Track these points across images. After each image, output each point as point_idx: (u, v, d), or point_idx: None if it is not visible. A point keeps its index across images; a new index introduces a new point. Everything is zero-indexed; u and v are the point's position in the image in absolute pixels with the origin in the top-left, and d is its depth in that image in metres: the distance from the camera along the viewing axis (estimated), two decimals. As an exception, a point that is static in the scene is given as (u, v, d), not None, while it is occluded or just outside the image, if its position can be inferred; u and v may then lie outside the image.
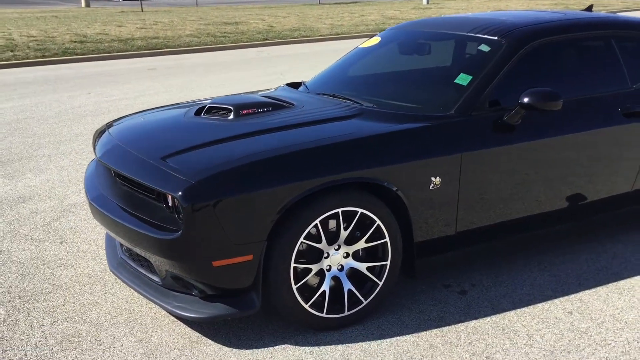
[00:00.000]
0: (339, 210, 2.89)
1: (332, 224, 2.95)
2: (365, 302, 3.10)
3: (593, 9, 4.78)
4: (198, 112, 3.48)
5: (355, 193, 2.94)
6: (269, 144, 2.95)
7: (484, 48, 3.61)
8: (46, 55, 14.43)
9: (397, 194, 3.02)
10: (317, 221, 2.85)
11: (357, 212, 2.94)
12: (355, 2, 42.04)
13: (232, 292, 2.86)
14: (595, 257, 3.87)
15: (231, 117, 3.35)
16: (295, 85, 4.16)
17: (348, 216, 2.95)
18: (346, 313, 3.06)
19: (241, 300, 2.85)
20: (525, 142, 3.35)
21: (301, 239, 2.83)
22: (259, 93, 4.02)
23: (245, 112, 3.38)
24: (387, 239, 3.06)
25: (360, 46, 4.33)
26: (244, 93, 4.09)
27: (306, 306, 2.94)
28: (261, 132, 3.12)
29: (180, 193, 2.63)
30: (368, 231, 3.02)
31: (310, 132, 3.10)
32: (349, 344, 2.96)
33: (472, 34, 3.73)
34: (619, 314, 3.21)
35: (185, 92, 10.00)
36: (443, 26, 3.97)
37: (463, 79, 3.44)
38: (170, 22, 24.05)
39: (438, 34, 3.96)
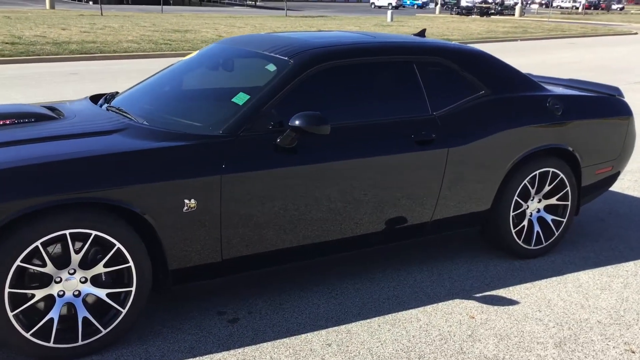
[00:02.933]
0: (67, 232, 2.74)
1: (59, 246, 2.80)
2: (104, 331, 2.93)
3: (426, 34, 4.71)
4: None
5: (88, 214, 2.78)
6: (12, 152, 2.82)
7: (271, 68, 3.50)
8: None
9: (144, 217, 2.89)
10: (37, 243, 2.68)
11: (91, 234, 2.79)
12: (323, 16, 42.14)
13: None
14: (389, 286, 3.77)
15: None
16: (98, 98, 4.01)
17: (81, 238, 2.80)
18: (80, 343, 2.89)
19: None
20: (302, 165, 3.24)
21: (17, 262, 2.67)
22: (46, 103, 3.85)
23: (2, 122, 3.24)
24: (132, 264, 2.92)
25: (181, 60, 4.21)
26: (20, 103, 3.88)
27: (27, 335, 2.77)
28: (6, 143, 2.97)
29: None
30: (107, 255, 2.87)
31: (54, 146, 2.95)
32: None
33: (267, 53, 3.63)
34: (377, 347, 3.10)
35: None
36: (250, 44, 3.86)
37: (240, 98, 3.32)
38: (120, 27, 23.79)
39: (243, 51, 3.85)
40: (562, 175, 4.16)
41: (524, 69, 15.96)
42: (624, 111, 4.51)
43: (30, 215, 2.68)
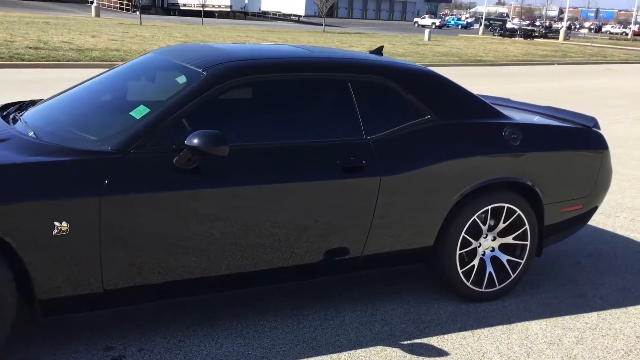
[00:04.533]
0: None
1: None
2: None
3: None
4: None
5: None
6: None
7: (181, 80, 3.21)
8: (-10, 58, 14.28)
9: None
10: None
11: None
12: (359, 33, 42.00)
13: None
14: (311, 325, 3.41)
15: None
16: (10, 106, 3.75)
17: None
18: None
19: None
20: (200, 190, 2.92)
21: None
22: None
23: None
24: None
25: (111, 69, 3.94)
26: None
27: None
28: None
29: None
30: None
31: None
32: None
33: (184, 64, 3.33)
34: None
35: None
36: (177, 54, 3.57)
37: (139, 112, 3.03)
38: (152, 36, 24.00)
39: (166, 61, 3.56)
40: (519, 211, 3.75)
41: (549, 93, 15.41)
42: (597, 144, 4.07)
43: None
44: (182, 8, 64.93)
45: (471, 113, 3.71)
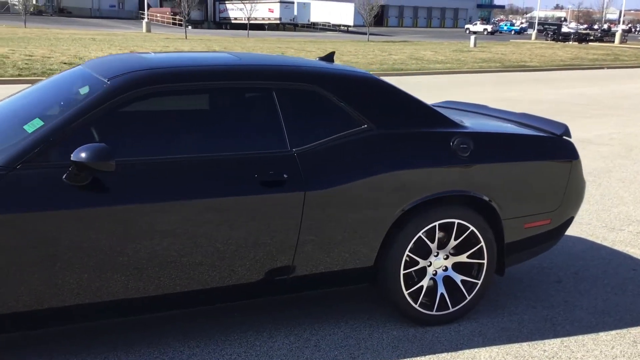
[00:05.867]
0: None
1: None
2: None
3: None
4: None
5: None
6: None
7: (83, 90, 3.05)
8: (23, 74, 14.66)
9: None
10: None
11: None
12: (405, 42, 41.58)
13: None
14: (233, 353, 3.17)
15: None
16: None
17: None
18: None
19: None
20: (92, 208, 2.73)
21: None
22: None
23: None
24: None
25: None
26: None
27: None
28: None
29: None
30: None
31: None
32: None
33: (96, 75, 3.16)
34: None
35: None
36: (100, 65, 3.39)
37: (32, 125, 2.88)
38: (190, 49, 24.24)
39: (86, 73, 3.38)
40: (472, 228, 3.42)
41: (582, 98, 14.71)
42: (566, 154, 3.70)
43: None
44: (233, 22, 65.82)
45: (415, 122, 3.42)
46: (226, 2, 68.29)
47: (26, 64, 16.47)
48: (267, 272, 3.13)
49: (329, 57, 4.02)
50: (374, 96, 3.39)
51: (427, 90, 15.14)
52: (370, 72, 4.05)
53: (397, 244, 3.31)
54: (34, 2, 61.47)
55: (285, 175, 3.05)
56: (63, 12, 65.00)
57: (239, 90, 3.18)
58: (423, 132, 3.39)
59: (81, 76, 3.31)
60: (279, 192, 3.04)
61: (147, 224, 2.82)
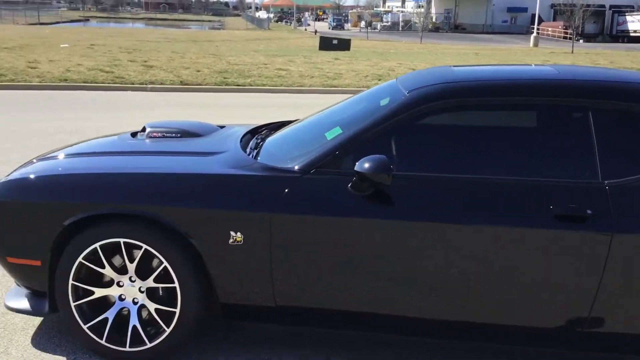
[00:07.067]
0: (121, 240, 2.90)
1: (116, 252, 2.98)
2: (148, 345, 2.99)
3: None
4: (135, 134, 3.83)
5: (142, 227, 2.88)
6: (108, 162, 3.19)
7: (383, 102, 3.02)
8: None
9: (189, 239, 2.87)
10: (96, 245, 2.91)
11: (142, 247, 2.90)
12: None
13: (36, 291, 3.16)
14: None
15: (144, 137, 3.65)
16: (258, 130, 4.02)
17: (133, 248, 2.94)
18: (127, 349, 3.01)
19: (38, 302, 3.13)
20: (375, 219, 2.71)
21: (80, 259, 2.96)
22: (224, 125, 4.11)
23: (154, 134, 3.63)
24: (177, 285, 2.92)
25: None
26: (190, 121, 4.05)
27: (84, 327, 3.03)
28: (139, 152, 3.35)
29: None
30: (156, 270, 2.94)
31: (151, 160, 3.18)
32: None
33: (400, 87, 3.13)
34: None
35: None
36: (412, 78, 3.33)
37: (332, 133, 2.98)
38: (553, 63, 22.96)
39: (392, 86, 3.32)
40: None
41: None
42: None
43: (89, 219, 2.93)
44: (631, 34, 60.39)
45: None
46: (626, 14, 62.94)
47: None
48: (554, 319, 2.70)
49: None
50: None
51: None
52: None
53: None
54: (433, 20, 65.98)
55: (589, 211, 2.58)
56: (457, 29, 68.13)
57: (544, 108, 2.80)
58: None
59: (390, 88, 3.32)
60: (578, 229, 2.59)
61: (424, 243, 2.68)
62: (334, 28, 65.02)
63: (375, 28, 64.36)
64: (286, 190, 2.79)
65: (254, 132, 3.83)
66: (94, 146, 3.57)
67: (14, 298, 3.20)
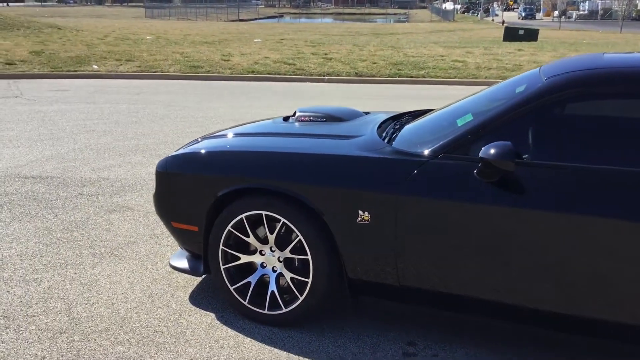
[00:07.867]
0: (263, 212, 3.19)
1: (259, 223, 3.27)
2: (284, 310, 3.27)
3: None
4: (287, 118, 4.12)
5: (280, 202, 3.14)
6: (258, 142, 3.54)
7: (520, 88, 2.99)
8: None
9: (321, 216, 3.08)
10: (242, 216, 3.25)
11: (280, 220, 3.17)
12: None
13: (194, 254, 3.58)
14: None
15: (294, 121, 3.98)
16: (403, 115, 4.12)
17: (273, 221, 3.21)
18: (265, 311, 3.31)
19: (195, 263, 3.56)
20: (500, 206, 2.72)
21: (229, 227, 3.31)
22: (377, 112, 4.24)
23: (302, 118, 3.90)
24: (309, 257, 3.15)
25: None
26: (339, 107, 4.26)
27: (231, 288, 3.39)
28: (285, 134, 3.66)
29: (157, 163, 3.57)
30: (292, 243, 3.20)
31: (294, 141, 3.45)
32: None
33: (541, 74, 3.06)
34: None
35: None
36: (557, 65, 3.23)
37: (463, 119, 3.02)
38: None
39: (533, 73, 3.24)
40: None
41: None
42: None
43: (237, 192, 3.27)
44: None
45: None
46: None
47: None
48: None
49: None
50: None
51: None
52: None
53: None
54: (638, 7, 60.33)
55: None
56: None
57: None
58: None
59: (530, 76, 3.27)
60: None
61: (553, 234, 2.64)
62: (524, 18, 62.34)
63: (570, 17, 60.62)
64: (413, 174, 2.89)
65: (394, 118, 3.96)
66: (248, 128, 3.94)
67: (177, 259, 3.66)
